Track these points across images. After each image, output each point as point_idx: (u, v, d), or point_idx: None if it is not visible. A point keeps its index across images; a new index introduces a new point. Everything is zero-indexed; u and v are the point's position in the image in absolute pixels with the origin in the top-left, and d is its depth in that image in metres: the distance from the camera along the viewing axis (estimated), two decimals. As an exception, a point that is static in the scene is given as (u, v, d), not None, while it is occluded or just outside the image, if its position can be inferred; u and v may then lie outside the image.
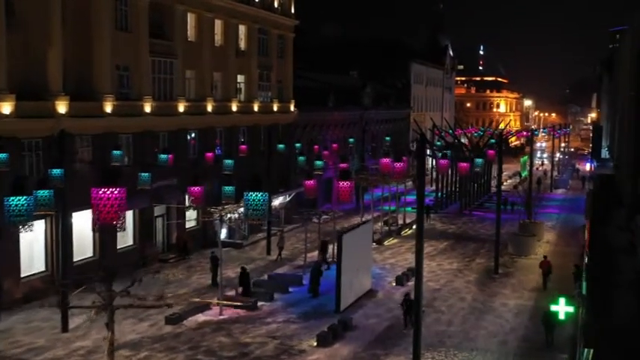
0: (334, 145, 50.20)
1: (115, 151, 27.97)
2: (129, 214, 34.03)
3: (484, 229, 48.96)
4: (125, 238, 34.44)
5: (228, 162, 32.28)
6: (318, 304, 29.10)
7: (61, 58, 29.49)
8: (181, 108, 37.36)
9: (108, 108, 31.95)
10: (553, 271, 33.06)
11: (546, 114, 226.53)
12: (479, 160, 32.05)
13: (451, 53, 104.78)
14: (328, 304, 28.54)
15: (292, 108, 49.90)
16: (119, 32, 33.07)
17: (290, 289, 31.10)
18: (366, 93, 65.59)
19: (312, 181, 22.59)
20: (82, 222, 31.50)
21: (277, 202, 47.00)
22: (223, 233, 41.65)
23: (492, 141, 63.13)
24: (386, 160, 21.68)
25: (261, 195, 10.78)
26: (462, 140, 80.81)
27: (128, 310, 25.15)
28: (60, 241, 27.35)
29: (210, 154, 35.27)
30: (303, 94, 51.39)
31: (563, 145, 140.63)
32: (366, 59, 76.63)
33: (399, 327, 26.25)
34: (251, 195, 10.91)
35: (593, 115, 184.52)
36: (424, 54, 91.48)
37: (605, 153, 66.51)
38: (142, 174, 28.48)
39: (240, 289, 29.69)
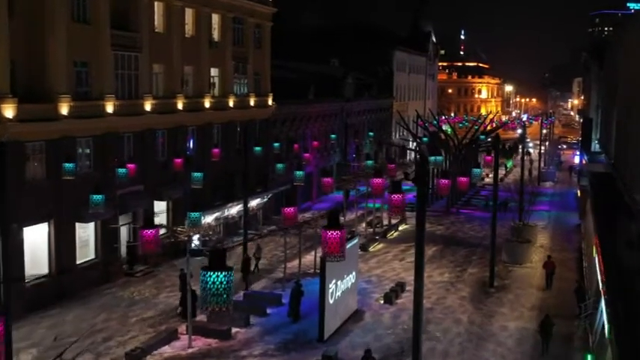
0: (315, 143, 47.15)
1: (67, 164, 24.62)
2: (90, 226, 30.89)
3: (473, 231, 46.33)
4: (85, 251, 31.25)
5: (197, 175, 29.05)
6: (300, 330, 26.18)
7: (7, 55, 25.95)
8: (148, 106, 34.07)
9: (64, 110, 28.60)
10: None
11: (527, 99, 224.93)
12: (477, 171, 29.19)
13: (434, 39, 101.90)
14: (310, 330, 25.65)
15: (270, 102, 46.74)
16: (76, 24, 29.62)
17: (268, 311, 28.14)
18: (348, 83, 62.51)
19: (291, 210, 19.53)
20: (36, 237, 28.39)
21: (254, 202, 44.10)
22: (196, 240, 38.71)
23: (482, 137, 60.53)
24: (378, 181, 18.69)
25: (224, 276, 7.79)
26: (446, 128, 78.46)
27: (84, 343, 22.27)
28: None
29: (179, 160, 32.00)
30: (281, 87, 48.21)
31: (545, 131, 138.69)
32: (346, 47, 73.54)
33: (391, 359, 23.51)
34: (210, 276, 7.90)
35: (575, 101, 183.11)
36: (407, 40, 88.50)
37: (595, 146, 64.07)
38: (119, 170, 25.57)
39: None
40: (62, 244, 29.25)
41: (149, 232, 12.67)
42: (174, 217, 36.26)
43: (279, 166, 34.80)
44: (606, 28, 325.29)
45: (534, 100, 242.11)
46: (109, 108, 31.25)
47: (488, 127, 71.41)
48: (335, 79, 61.55)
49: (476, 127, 63.97)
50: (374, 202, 45.37)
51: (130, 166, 28.11)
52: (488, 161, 32.52)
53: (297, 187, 51.85)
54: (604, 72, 63.25)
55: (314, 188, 53.99)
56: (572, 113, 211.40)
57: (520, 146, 54.64)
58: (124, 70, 32.70)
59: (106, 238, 31.93)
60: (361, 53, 73.77)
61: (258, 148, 37.33)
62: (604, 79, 61.90)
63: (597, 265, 24.69)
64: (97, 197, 21.63)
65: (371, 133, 51.85)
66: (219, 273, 8.25)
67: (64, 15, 28.69)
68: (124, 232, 33.77)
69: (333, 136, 52.75)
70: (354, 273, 28.09)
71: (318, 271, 34.67)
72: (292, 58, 60.91)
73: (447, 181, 20.99)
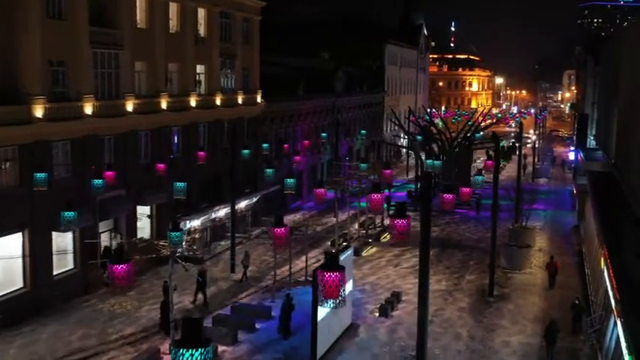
0: (305, 142, 45.49)
1: (38, 174, 22.86)
2: (68, 235, 29.13)
3: (469, 232, 44.91)
4: (63, 261, 29.53)
5: (180, 185, 27.32)
6: (291, 348, 24.64)
7: (-24, 54, 24.24)
8: (130, 106, 32.29)
9: (38, 112, 26.80)
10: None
11: (517, 92, 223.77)
12: (479, 178, 27.63)
13: (425, 32, 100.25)
14: (302, 348, 24.10)
15: (259, 99, 45.00)
16: (51, 20, 27.77)
17: (257, 325, 26.56)
18: (339, 78, 60.79)
19: (282, 231, 17.85)
20: (9, 247, 26.66)
21: (243, 204, 42.52)
22: (182, 244, 37.04)
23: (477, 135, 59.03)
24: (376, 197, 17.07)
25: (200, 354, 6.18)
26: (437, 122, 76.95)
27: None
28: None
29: (161, 165, 30.26)
30: (270, 83, 46.45)
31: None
32: (337, 40, 71.83)
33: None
34: (183, 354, 6.29)
35: (567, 94, 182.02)
36: (398, 33, 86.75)
37: (591, 142, 62.80)
38: (95, 181, 24.01)
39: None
40: (38, 255, 27.53)
41: (120, 267, 11.05)
42: (158, 222, 34.58)
43: (269, 171, 33.09)
44: (595, 20, 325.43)
45: (524, 92, 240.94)
46: (88, 109, 29.46)
47: (482, 124, 69.97)
48: (325, 74, 59.83)
49: (470, 123, 62.48)
50: (367, 201, 43.81)
51: (109, 173, 26.30)
52: (489, 166, 30.89)
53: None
54: (600, 67, 61.95)
55: (304, 187, 52.40)
56: (562, 106, 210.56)
57: (517, 145, 52.96)
58: (104, 69, 30.89)
59: (86, 247, 30.19)
60: (352, 46, 72.07)
61: (246, 151, 35.54)
62: (600, 75, 60.59)
63: (607, 279, 23.31)
64: (69, 214, 19.91)
65: (363, 132, 50.17)
66: (194, 351, 6.63)
67: (37, 11, 26.84)
68: (105, 239, 32.05)
69: (323, 134, 51.08)
70: (348, 284, 26.52)
71: (310, 278, 33.33)
72: (281, 52, 59.10)
73: (451, 196, 19.45)
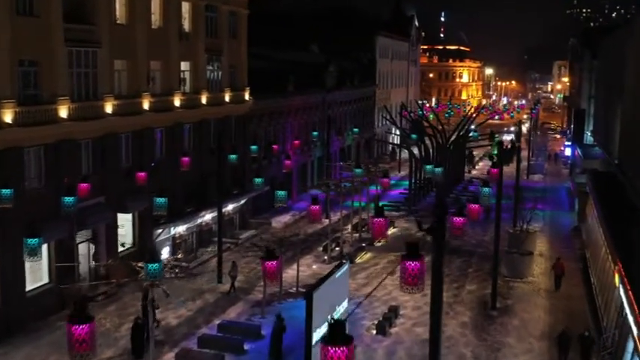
0: (296, 142, 43.56)
1: (3, 190, 20.81)
2: (43, 248, 26.99)
3: (466, 236, 42.77)
4: (37, 275, 27.53)
5: (160, 200, 25.33)
6: (283, 374, 22.85)
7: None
8: (109, 108, 30.20)
9: (7, 117, 24.71)
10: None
11: (507, 82, 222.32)
12: (486, 190, 25.80)
13: (417, 23, 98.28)
14: (295, 373, 22.34)
15: (247, 97, 42.96)
16: (21, 17, 25.62)
17: (246, 346, 24.71)
18: (330, 73, 58.77)
19: (273, 264, 15.81)
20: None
21: (231, 207, 40.66)
22: (166, 252, 35.19)
23: (474, 134, 57.28)
24: (380, 221, 15.15)
25: None
26: (430, 116, 75.23)
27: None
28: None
29: (142, 174, 28.23)
30: (258, 78, 44.41)
31: (525, 116, 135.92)
32: (327, 32, 69.75)
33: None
34: None
35: (558, 86, 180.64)
36: (389, 25, 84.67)
37: (588, 138, 61.24)
38: (66, 198, 21.99)
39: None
40: (8, 269, 25.52)
41: (81, 328, 9.18)
42: (140, 230, 32.61)
43: (258, 180, 31.20)
44: (584, 10, 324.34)
45: (514, 82, 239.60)
46: (63, 112, 27.37)
47: (475, 117, 68.15)
48: (316, 68, 57.79)
49: (464, 119, 60.72)
50: (359, 200, 42.00)
51: (83, 186, 24.31)
52: (493, 174, 29.06)
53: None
54: (599, 61, 60.25)
55: (294, 186, 50.51)
56: (552, 96, 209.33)
57: (518, 145, 51.33)
58: (81, 69, 28.76)
59: (62, 259, 28.19)
60: (342, 39, 70.04)
61: (233, 156, 33.53)
62: (599, 69, 58.89)
63: (624, 300, 21.63)
64: (32, 241, 17.87)
65: (356, 130, 48.32)
66: None
67: (5, 7, 24.67)
68: (83, 250, 30.06)
69: (314, 133, 49.16)
70: (345, 302, 24.68)
71: (302, 289, 31.52)
72: (269, 45, 57.01)
73: (462, 219, 17.65)
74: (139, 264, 21.28)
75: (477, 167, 71.98)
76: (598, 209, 35.35)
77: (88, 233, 30.18)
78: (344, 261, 24.44)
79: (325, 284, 21.97)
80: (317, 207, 24.91)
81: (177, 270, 24.95)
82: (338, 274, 23.64)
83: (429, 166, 30.13)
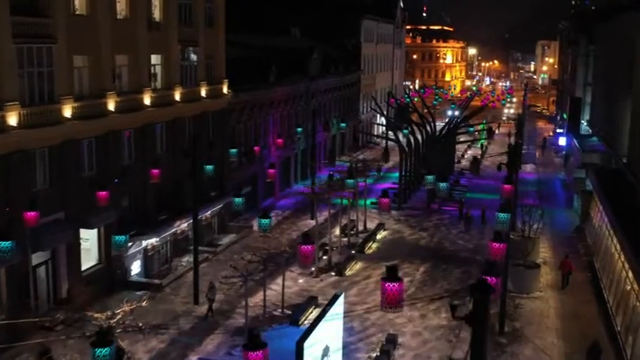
0: (279, 141, 40.22)
1: None
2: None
3: (462, 240, 40.20)
4: (-15, 307, 24.10)
5: (120, 239, 21.88)
6: None
7: None
8: (68, 112, 26.59)
9: (-58, 129, 21.14)
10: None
11: (490, 63, 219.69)
12: (502, 216, 22.59)
13: (402, 4, 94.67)
14: None
15: (225, 90, 39.44)
16: (-41, 10, 22.01)
17: (226, 391, 21.59)
18: (314, 60, 55.24)
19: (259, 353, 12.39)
20: None
21: (208, 212, 37.44)
22: (137, 267, 31.83)
23: (471, 129, 54.33)
24: (392, 286, 11.90)
25: None
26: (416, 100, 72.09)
27: None
28: None
29: (103, 194, 24.74)
30: (236, 68, 40.84)
31: (515, 99, 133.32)
32: (309, 15, 66.14)
33: None
34: None
35: (544, 67, 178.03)
36: (373, 6, 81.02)
37: (584, 128, 58.54)
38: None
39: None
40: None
41: None
42: (106, 247, 29.16)
43: (238, 200, 27.81)
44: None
45: (496, 62, 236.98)
46: (12, 119, 23.77)
47: (467, 106, 65.14)
48: (298, 54, 54.23)
49: (458, 117, 57.70)
50: (348, 198, 38.82)
51: (30, 215, 20.81)
52: (507, 190, 25.84)
53: (257, 187, 45.17)
54: (597, 48, 57.33)
55: (277, 182, 47.21)
56: (534, 77, 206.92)
57: (520, 142, 48.38)
58: (33, 68, 25.08)
59: (16, 286, 24.76)
60: (326, 22, 66.50)
61: (209, 167, 30.08)
62: (598, 57, 55.97)
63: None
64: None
65: (343, 124, 45.11)
66: None
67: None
68: (42, 274, 26.61)
69: (299, 129, 45.80)
70: (338, 334, 21.56)
71: (288, 311, 28.43)
72: (247, 30, 53.29)
73: (503, 245, 14.32)
74: (95, 314, 17.87)
75: (465, 156, 68.99)
76: (609, 215, 32.56)
77: (46, 254, 26.69)
78: (337, 294, 21.18)
79: (316, 331, 18.81)
80: (309, 247, 21.55)
81: (140, 324, 21.57)
82: (333, 308, 20.58)
83: (429, 177, 26.83)
